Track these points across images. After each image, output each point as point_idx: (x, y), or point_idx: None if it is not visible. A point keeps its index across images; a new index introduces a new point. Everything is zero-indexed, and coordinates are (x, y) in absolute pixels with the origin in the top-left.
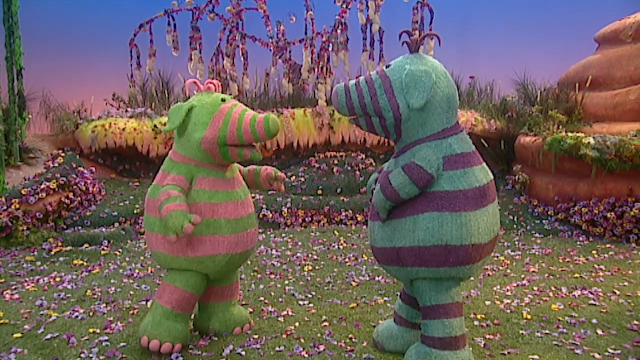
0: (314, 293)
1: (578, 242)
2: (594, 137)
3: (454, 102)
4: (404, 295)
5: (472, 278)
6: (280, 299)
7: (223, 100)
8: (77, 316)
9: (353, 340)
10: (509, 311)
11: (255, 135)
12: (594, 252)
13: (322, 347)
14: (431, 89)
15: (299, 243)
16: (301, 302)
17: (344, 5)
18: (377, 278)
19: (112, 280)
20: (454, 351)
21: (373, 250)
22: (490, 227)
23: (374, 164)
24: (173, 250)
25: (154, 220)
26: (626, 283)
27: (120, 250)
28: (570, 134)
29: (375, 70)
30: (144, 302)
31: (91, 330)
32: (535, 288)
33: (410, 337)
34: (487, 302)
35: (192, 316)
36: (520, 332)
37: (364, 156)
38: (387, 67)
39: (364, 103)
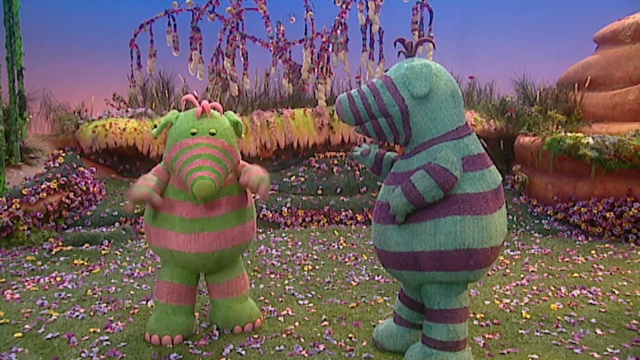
0: (314, 293)
1: (577, 242)
2: (593, 137)
3: (459, 98)
4: (404, 297)
5: None
6: (280, 299)
7: (193, 134)
8: (77, 316)
9: (353, 339)
10: (508, 311)
11: (186, 186)
12: (593, 251)
13: (322, 347)
14: (432, 78)
15: (299, 243)
16: (301, 302)
17: (344, 6)
18: (376, 278)
19: (112, 280)
20: (455, 352)
21: (382, 255)
22: (503, 228)
23: None
24: (146, 236)
25: (146, 209)
26: (625, 282)
27: (121, 250)
28: (569, 134)
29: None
30: (144, 302)
31: (92, 329)
32: (534, 288)
33: (410, 337)
34: (487, 302)
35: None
36: (520, 331)
37: None
38: (386, 70)
39: (368, 104)
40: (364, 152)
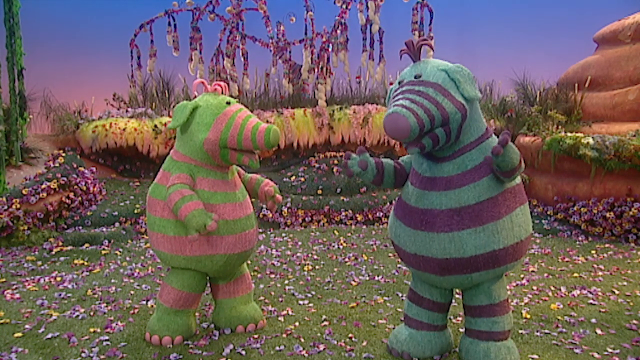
0: (314, 293)
1: (577, 242)
2: (593, 137)
3: None
4: (424, 301)
5: None
6: (280, 299)
7: (228, 103)
8: (77, 316)
9: (353, 339)
10: (510, 312)
11: (255, 144)
12: (593, 251)
13: (322, 347)
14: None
15: (299, 243)
16: (301, 302)
17: (344, 6)
18: (376, 278)
19: (112, 280)
20: (509, 339)
21: (451, 263)
22: None
23: None
24: (172, 249)
25: (155, 219)
26: (625, 282)
27: (121, 250)
28: (569, 134)
29: (407, 84)
30: (144, 302)
31: (92, 329)
32: (534, 288)
33: (437, 341)
34: None
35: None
36: (520, 331)
37: None
38: (417, 76)
39: (432, 115)
40: (362, 165)
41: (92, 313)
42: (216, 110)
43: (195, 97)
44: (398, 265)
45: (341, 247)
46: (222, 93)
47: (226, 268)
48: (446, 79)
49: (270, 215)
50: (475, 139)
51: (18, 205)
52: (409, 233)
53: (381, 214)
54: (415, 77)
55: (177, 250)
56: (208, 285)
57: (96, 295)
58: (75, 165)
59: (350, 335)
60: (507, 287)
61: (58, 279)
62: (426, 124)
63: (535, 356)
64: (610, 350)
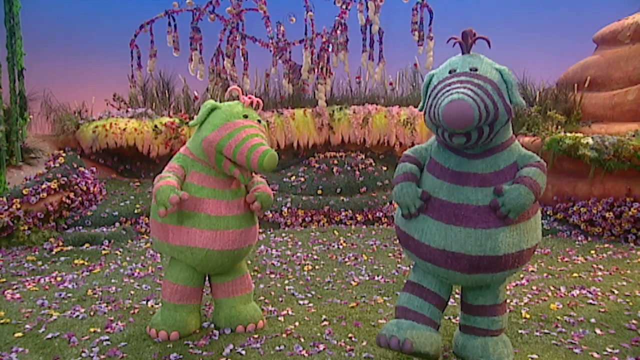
0: (313, 292)
1: (577, 242)
2: (592, 138)
3: None
4: (432, 296)
5: None
6: (280, 299)
7: (245, 116)
8: (78, 316)
9: (353, 339)
10: (508, 310)
11: (248, 162)
12: (592, 251)
13: (322, 347)
14: None
15: (299, 243)
16: (301, 302)
17: (344, 6)
18: (376, 278)
19: (112, 280)
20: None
21: (484, 261)
22: None
23: (373, 164)
24: (159, 235)
25: (152, 206)
26: (624, 282)
27: (121, 250)
28: (569, 134)
29: (464, 74)
30: (144, 302)
31: (92, 329)
32: (534, 287)
33: (436, 337)
34: None
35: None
36: (519, 331)
37: (363, 156)
38: (473, 70)
39: (489, 111)
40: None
41: (92, 313)
42: (228, 117)
43: (229, 100)
44: (398, 265)
45: (341, 247)
46: (253, 107)
47: (208, 264)
48: (500, 79)
49: (271, 215)
50: (505, 141)
51: (18, 205)
52: (438, 227)
53: (381, 214)
54: (470, 70)
55: (161, 236)
56: (209, 285)
57: (96, 295)
58: (75, 165)
59: (350, 335)
60: (507, 287)
61: (58, 279)
62: (483, 118)
63: (534, 356)
64: (609, 350)
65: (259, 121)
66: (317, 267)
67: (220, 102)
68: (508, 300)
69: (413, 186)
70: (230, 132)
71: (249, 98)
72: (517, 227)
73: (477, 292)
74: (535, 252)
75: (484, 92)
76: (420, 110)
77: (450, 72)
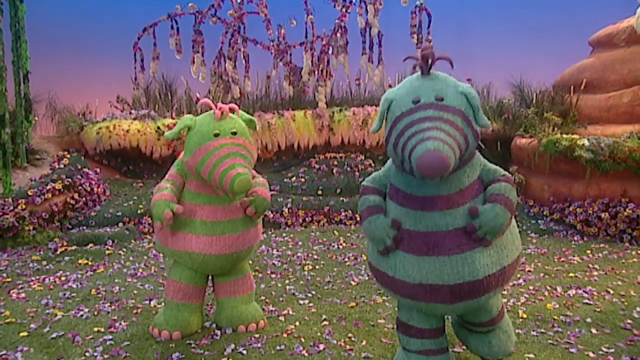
0: (314, 292)
1: (573, 242)
2: (588, 139)
3: None
4: (427, 332)
5: None
6: (280, 299)
7: (216, 135)
8: (82, 315)
9: (352, 339)
10: (505, 311)
11: (222, 187)
12: (588, 251)
13: (322, 346)
14: None
15: (300, 243)
16: (301, 302)
17: (344, 9)
18: None
19: (116, 280)
20: None
21: (465, 288)
22: None
23: (373, 164)
24: (161, 239)
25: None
26: (620, 282)
27: (125, 250)
28: (565, 136)
29: (431, 107)
30: (147, 302)
31: (96, 329)
32: (530, 287)
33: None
34: None
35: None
36: (516, 331)
37: (363, 157)
38: (439, 99)
39: (462, 148)
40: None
41: (96, 312)
42: (200, 140)
43: (200, 113)
44: None
45: (341, 247)
46: (221, 116)
47: (207, 267)
48: (467, 105)
49: (271, 215)
50: (468, 157)
51: (23, 206)
52: (411, 260)
53: None
54: (436, 99)
55: (163, 240)
56: (211, 285)
57: (100, 295)
58: (79, 167)
59: (349, 334)
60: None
61: (63, 278)
62: (458, 159)
63: (531, 355)
64: (605, 349)
65: (234, 133)
66: (317, 267)
67: (223, 103)
68: (505, 300)
69: (381, 218)
70: (202, 158)
71: (220, 109)
72: (494, 245)
73: (472, 314)
74: (532, 252)
75: (455, 129)
76: (374, 132)
77: (414, 102)
